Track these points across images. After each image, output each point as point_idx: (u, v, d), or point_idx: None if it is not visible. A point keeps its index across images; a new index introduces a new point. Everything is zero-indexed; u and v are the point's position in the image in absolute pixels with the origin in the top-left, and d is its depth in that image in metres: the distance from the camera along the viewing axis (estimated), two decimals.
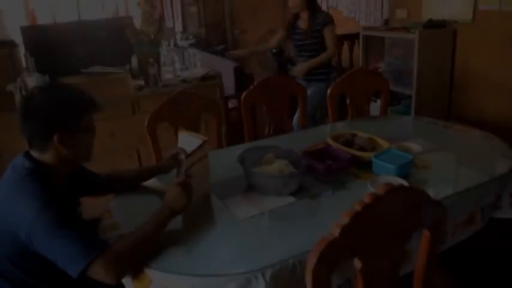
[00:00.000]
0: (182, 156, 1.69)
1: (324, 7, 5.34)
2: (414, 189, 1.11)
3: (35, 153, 1.37)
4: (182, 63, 3.60)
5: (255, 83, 2.59)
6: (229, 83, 3.88)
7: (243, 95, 2.54)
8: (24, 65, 3.28)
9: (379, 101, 2.90)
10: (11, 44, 3.07)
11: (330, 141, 2.02)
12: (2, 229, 1.29)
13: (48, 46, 3.34)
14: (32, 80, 2.91)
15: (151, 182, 1.82)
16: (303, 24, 3.49)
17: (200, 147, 1.57)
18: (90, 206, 1.78)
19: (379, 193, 0.98)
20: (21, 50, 3.34)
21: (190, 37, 5.26)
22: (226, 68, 3.90)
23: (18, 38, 3.36)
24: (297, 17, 3.53)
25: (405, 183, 1.62)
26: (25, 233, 1.23)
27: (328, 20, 3.43)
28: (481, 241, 1.89)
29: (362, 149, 1.96)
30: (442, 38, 3.64)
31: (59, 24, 4.32)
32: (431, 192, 1.62)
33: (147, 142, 2.24)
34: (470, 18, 3.47)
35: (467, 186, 1.69)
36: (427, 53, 3.54)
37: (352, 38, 4.27)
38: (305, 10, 3.45)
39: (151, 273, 1.27)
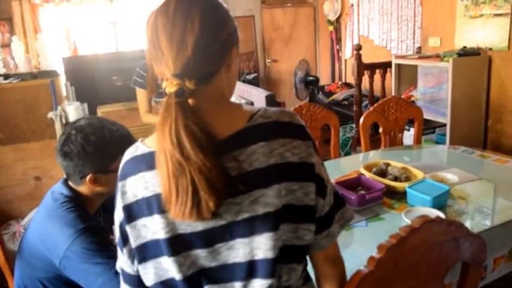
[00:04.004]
0: None
1: (355, 36, 5.36)
2: (452, 221, 1.08)
3: (71, 184, 1.41)
4: None
5: None
6: None
7: None
8: (64, 93, 3.43)
9: (412, 130, 2.86)
10: (53, 74, 3.21)
11: (362, 171, 2.00)
12: (37, 252, 1.33)
13: (87, 76, 3.50)
14: (72, 108, 3.03)
15: None
16: None
17: None
18: None
19: (415, 225, 0.96)
20: (63, 79, 3.50)
21: None
22: (258, 97, 3.94)
23: (60, 68, 3.52)
24: None
25: (442, 215, 1.58)
26: (59, 258, 1.26)
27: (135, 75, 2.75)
28: None
29: (396, 179, 1.93)
30: (477, 65, 3.57)
31: (97, 55, 4.51)
32: (469, 225, 1.60)
33: None
34: (505, 45, 3.41)
35: (507, 218, 1.63)
36: (462, 81, 3.48)
37: (384, 66, 4.25)
38: None
39: None
